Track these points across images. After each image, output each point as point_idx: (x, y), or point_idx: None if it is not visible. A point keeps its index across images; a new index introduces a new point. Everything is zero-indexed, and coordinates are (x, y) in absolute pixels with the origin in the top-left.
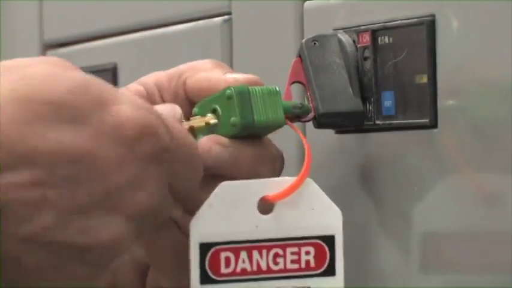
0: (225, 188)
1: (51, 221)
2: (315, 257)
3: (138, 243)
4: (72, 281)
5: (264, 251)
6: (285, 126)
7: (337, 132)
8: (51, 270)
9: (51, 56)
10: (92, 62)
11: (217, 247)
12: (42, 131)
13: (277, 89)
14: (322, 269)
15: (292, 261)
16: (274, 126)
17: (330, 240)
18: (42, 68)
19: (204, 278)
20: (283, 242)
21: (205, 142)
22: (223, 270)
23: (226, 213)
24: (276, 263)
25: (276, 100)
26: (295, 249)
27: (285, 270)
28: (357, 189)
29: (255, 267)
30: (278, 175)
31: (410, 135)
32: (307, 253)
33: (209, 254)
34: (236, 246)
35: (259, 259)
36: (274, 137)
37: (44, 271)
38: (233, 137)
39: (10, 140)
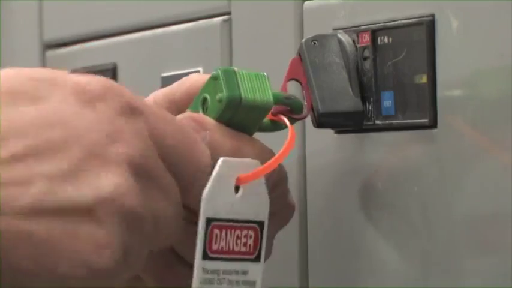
0: (224, 163)
1: (45, 189)
2: (253, 241)
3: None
4: (90, 243)
5: (232, 231)
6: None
7: (337, 132)
8: (66, 237)
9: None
10: (92, 62)
11: (214, 223)
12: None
13: (265, 74)
14: (255, 254)
15: (244, 244)
16: (263, 108)
17: (261, 226)
18: None
19: (204, 253)
20: (240, 224)
21: (180, 117)
22: (213, 247)
23: (221, 189)
24: (237, 244)
25: (264, 82)
26: (245, 232)
27: (239, 252)
28: (357, 189)
29: (226, 247)
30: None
31: (410, 135)
32: (250, 237)
33: (209, 230)
34: (220, 224)
35: (230, 239)
36: (272, 138)
37: (57, 238)
38: (220, 119)
39: None
